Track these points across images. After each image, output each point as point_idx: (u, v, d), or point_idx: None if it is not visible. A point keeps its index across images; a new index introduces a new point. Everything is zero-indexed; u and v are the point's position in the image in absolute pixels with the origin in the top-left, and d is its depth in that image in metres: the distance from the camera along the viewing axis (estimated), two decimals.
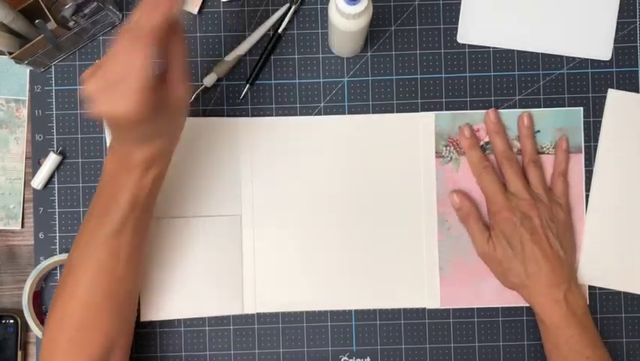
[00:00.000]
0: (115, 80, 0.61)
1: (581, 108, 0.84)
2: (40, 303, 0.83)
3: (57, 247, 0.84)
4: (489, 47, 0.84)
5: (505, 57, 0.84)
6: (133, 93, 0.61)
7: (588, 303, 0.83)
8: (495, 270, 0.81)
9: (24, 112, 0.84)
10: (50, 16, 0.76)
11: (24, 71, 0.84)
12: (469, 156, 0.82)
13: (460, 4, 0.84)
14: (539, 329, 0.80)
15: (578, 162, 0.84)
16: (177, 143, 0.72)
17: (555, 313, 0.77)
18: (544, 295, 0.77)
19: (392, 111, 0.84)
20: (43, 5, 0.76)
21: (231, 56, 0.83)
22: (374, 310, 0.84)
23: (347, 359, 0.84)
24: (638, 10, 0.84)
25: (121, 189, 0.69)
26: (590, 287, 0.83)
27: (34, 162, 0.84)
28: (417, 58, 0.84)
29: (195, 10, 0.84)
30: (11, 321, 0.83)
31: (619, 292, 0.84)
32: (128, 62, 0.61)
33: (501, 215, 0.79)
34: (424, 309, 0.84)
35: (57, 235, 0.83)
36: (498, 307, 0.83)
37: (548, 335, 0.78)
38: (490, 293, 0.83)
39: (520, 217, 0.78)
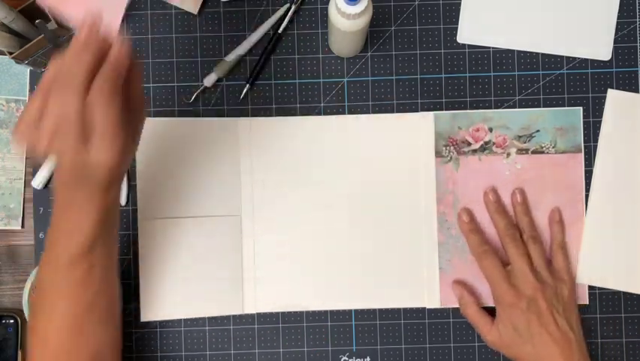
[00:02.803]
0: (89, 131, 0.61)
1: (581, 108, 0.84)
2: None
3: None
4: (489, 47, 0.84)
5: (505, 57, 0.84)
6: (114, 143, 0.62)
7: (588, 303, 0.83)
8: (507, 354, 0.79)
9: None
10: (51, 16, 0.76)
11: (24, 71, 0.84)
12: (469, 239, 0.82)
13: (460, 4, 0.84)
14: None
15: (577, 162, 0.84)
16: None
17: None
18: None
19: (392, 111, 0.84)
20: None
21: (231, 56, 0.83)
22: (374, 310, 0.84)
23: (347, 359, 0.84)
24: (638, 10, 0.84)
25: (85, 209, 0.65)
26: (590, 287, 0.83)
27: (34, 162, 0.84)
28: (417, 58, 0.84)
29: (195, 10, 0.84)
30: (11, 321, 0.83)
31: (619, 292, 0.84)
32: (103, 112, 0.61)
33: (505, 300, 0.78)
34: (423, 309, 0.84)
35: None
36: None
37: None
38: (490, 293, 0.83)
39: (526, 301, 0.77)
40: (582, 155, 0.84)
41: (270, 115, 0.84)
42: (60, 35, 0.78)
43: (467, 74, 0.84)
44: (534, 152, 0.84)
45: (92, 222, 0.66)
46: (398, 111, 0.84)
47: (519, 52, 0.84)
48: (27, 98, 0.84)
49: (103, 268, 0.69)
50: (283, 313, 0.83)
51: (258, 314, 0.84)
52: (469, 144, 0.84)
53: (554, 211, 0.83)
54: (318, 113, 0.84)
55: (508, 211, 0.83)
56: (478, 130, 0.84)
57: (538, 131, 0.84)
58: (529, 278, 0.78)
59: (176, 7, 0.84)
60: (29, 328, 0.71)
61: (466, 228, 0.82)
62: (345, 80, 0.84)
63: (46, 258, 0.69)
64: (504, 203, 0.83)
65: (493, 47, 0.84)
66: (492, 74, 0.84)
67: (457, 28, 0.84)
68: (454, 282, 0.83)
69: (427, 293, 0.83)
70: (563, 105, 0.84)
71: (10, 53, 0.77)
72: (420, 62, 0.84)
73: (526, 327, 0.77)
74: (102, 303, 0.70)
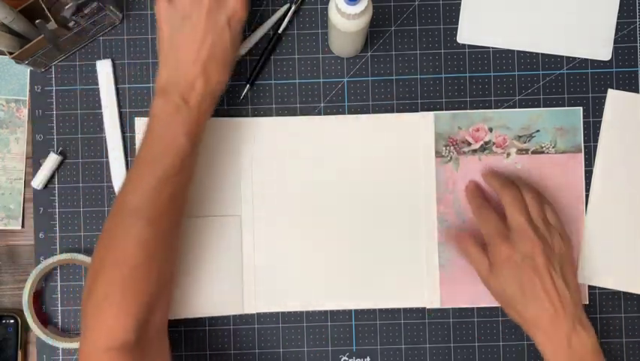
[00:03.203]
0: None
1: (581, 108, 0.84)
2: (40, 303, 0.83)
3: (57, 246, 0.84)
4: (489, 47, 0.84)
5: (505, 57, 0.84)
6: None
7: (588, 303, 0.83)
8: (496, 299, 0.78)
9: (24, 112, 0.85)
10: (51, 17, 0.76)
11: (24, 71, 0.84)
12: (470, 202, 0.82)
13: (460, 4, 0.84)
14: None
15: (577, 162, 0.84)
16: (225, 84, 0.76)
17: (559, 356, 0.74)
18: (546, 336, 0.74)
19: (392, 111, 0.84)
20: (43, 5, 0.76)
21: None
22: (374, 310, 0.84)
23: (347, 359, 0.84)
24: (638, 10, 0.84)
25: (179, 127, 0.72)
26: (590, 287, 0.83)
27: (34, 162, 0.84)
28: (417, 58, 0.84)
29: None
30: (11, 321, 0.83)
31: (619, 292, 0.84)
32: None
33: (501, 254, 0.76)
34: (423, 309, 0.84)
35: (57, 235, 0.84)
36: (498, 307, 0.83)
37: None
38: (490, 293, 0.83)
39: (521, 256, 0.75)
40: (582, 155, 0.84)
41: (270, 115, 0.84)
42: (60, 35, 0.78)
43: (467, 74, 0.84)
44: (534, 152, 0.84)
45: (186, 139, 0.72)
46: (398, 111, 0.84)
47: (519, 52, 0.84)
48: (27, 98, 0.84)
49: (183, 197, 0.73)
50: (283, 313, 0.83)
51: (258, 314, 0.84)
52: (469, 144, 0.84)
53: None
54: (318, 113, 0.84)
55: (502, 173, 0.82)
56: (478, 130, 0.84)
57: (538, 131, 0.84)
58: (529, 234, 0.75)
59: None
60: (101, 249, 0.72)
61: (469, 195, 0.82)
62: (345, 80, 0.84)
63: (133, 181, 0.73)
64: (497, 172, 0.83)
65: (493, 47, 0.84)
66: (492, 74, 0.84)
67: (457, 28, 0.84)
68: (448, 236, 0.82)
69: (427, 293, 0.83)
70: (563, 105, 0.84)
71: (10, 53, 0.77)
72: (420, 62, 0.84)
73: (518, 281, 0.75)
74: (174, 235, 0.74)
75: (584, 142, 0.84)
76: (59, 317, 0.84)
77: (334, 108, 0.84)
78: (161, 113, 0.73)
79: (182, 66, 0.73)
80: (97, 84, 0.84)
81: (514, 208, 0.77)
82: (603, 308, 0.83)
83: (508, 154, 0.84)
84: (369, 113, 0.84)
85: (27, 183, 0.84)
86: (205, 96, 0.73)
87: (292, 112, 0.84)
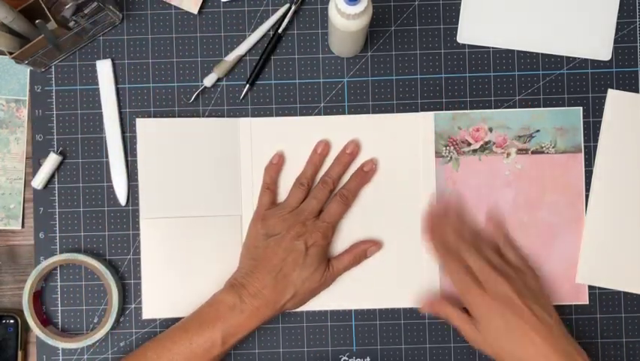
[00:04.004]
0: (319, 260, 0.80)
1: (581, 108, 0.84)
2: (40, 303, 0.83)
3: (57, 247, 0.84)
4: (489, 47, 0.84)
5: (505, 57, 0.84)
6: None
7: (588, 303, 0.83)
8: (492, 355, 0.76)
9: (24, 112, 0.85)
10: (50, 16, 0.76)
11: (24, 71, 0.84)
12: (446, 266, 0.80)
13: (460, 4, 0.84)
14: None
15: (577, 162, 0.84)
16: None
17: None
18: None
19: (392, 111, 0.84)
20: (43, 5, 0.76)
21: (231, 56, 0.83)
22: (374, 310, 0.84)
23: (347, 359, 0.84)
24: (638, 10, 0.84)
25: (221, 322, 0.77)
26: (590, 287, 0.83)
27: (34, 162, 0.84)
28: (417, 58, 0.84)
29: (195, 10, 0.84)
30: (11, 321, 0.83)
31: (619, 292, 0.84)
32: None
33: (475, 299, 0.76)
34: None
35: (57, 235, 0.84)
36: None
37: None
38: None
39: (494, 295, 0.75)
40: (582, 155, 0.84)
41: (270, 115, 0.84)
42: (60, 35, 0.78)
43: (467, 74, 0.84)
44: (534, 152, 0.84)
45: (220, 335, 0.77)
46: (398, 111, 0.84)
47: (519, 52, 0.84)
48: (27, 98, 0.84)
49: None
50: (283, 313, 0.83)
51: None
52: (469, 144, 0.84)
53: (490, 211, 0.82)
54: (318, 113, 0.84)
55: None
56: (478, 130, 0.84)
57: (538, 131, 0.84)
58: (493, 275, 0.76)
59: (176, 7, 0.84)
60: None
61: (442, 254, 0.80)
62: (345, 80, 0.84)
63: (167, 335, 0.78)
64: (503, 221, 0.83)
65: (493, 47, 0.84)
66: (492, 74, 0.84)
67: (457, 28, 0.84)
68: (426, 307, 0.81)
69: (427, 293, 0.83)
70: (563, 105, 0.84)
71: (10, 53, 0.77)
72: (420, 62, 0.84)
73: (504, 323, 0.74)
74: None
75: (584, 142, 0.84)
76: (59, 317, 0.84)
77: (334, 108, 0.84)
78: (219, 301, 0.78)
79: (256, 273, 0.78)
80: (97, 84, 0.84)
81: (471, 256, 0.78)
82: (603, 308, 0.83)
83: (508, 154, 0.84)
84: (369, 113, 0.84)
85: (27, 183, 0.84)
86: (263, 307, 0.78)
87: (292, 112, 0.84)
